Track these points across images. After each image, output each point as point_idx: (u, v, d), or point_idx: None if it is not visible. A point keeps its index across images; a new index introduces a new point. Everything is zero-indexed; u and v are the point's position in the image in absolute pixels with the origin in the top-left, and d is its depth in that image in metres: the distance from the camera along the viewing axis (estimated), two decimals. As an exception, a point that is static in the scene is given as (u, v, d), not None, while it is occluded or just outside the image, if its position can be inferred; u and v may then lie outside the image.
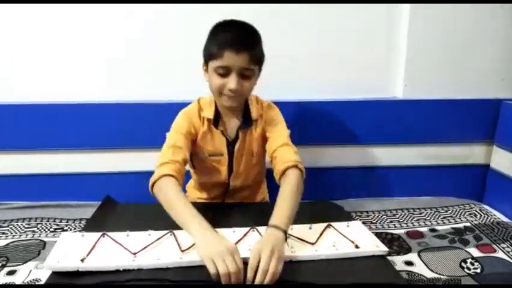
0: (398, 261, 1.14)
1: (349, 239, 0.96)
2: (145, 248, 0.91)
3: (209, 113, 1.22)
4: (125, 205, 1.26)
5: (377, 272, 0.89)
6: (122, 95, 1.57)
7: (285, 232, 0.94)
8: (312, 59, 1.59)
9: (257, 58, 1.12)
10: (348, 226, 1.03)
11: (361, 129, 1.61)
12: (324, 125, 1.61)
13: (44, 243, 1.27)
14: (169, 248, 0.91)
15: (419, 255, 1.21)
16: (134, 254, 0.88)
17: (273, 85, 1.56)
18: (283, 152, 1.18)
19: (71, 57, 1.55)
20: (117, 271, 0.84)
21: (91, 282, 0.82)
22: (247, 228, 0.99)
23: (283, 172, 1.13)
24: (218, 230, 0.96)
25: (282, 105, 1.55)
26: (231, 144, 1.25)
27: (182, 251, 0.90)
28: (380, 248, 0.95)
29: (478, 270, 1.14)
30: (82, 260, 0.86)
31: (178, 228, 0.97)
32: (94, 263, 0.86)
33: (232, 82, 1.08)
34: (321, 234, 0.98)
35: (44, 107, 1.54)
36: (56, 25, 1.52)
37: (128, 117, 1.54)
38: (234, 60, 1.07)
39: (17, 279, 1.06)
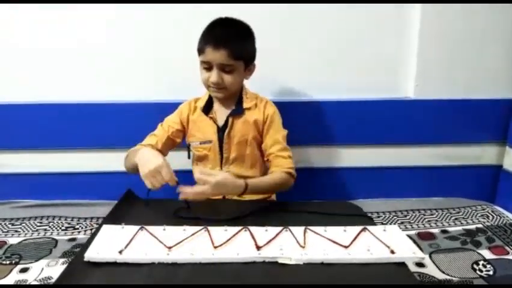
0: (409, 263, 1.13)
1: (385, 243, 0.94)
2: (179, 242, 0.92)
3: (201, 102, 1.32)
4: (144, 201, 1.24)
5: (389, 273, 0.88)
6: (138, 95, 1.59)
7: (246, 186, 1.11)
8: (324, 59, 1.58)
9: (237, 54, 1.18)
10: (384, 231, 1.00)
11: (372, 129, 1.60)
12: (335, 125, 1.60)
13: (56, 241, 1.29)
14: (203, 244, 0.93)
15: (430, 257, 1.21)
16: (169, 248, 0.90)
17: (287, 86, 1.58)
18: (279, 159, 1.28)
19: (77, 58, 1.56)
20: (152, 264, 0.87)
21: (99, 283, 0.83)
22: (279, 228, 0.99)
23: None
24: (251, 228, 0.98)
25: (296, 105, 1.57)
26: (221, 131, 1.29)
27: (215, 247, 0.91)
28: (417, 255, 0.91)
29: (491, 273, 1.13)
30: (120, 252, 0.88)
31: (212, 225, 1.00)
32: (131, 255, 0.88)
33: (213, 76, 1.19)
34: (355, 238, 0.97)
35: (54, 106, 1.56)
36: (56, 26, 1.53)
37: (138, 116, 1.54)
38: (213, 56, 1.17)
39: (29, 277, 1.08)
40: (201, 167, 1.10)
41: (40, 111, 1.56)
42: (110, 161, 1.58)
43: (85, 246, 0.92)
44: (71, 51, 1.55)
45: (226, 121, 1.29)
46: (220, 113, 1.31)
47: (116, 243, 0.91)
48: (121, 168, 1.56)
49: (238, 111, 1.29)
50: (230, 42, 1.16)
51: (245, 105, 1.29)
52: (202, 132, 1.31)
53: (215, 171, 1.09)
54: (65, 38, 1.54)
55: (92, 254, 0.87)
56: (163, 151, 1.29)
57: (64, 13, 1.51)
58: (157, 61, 1.57)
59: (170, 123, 1.32)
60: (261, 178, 1.22)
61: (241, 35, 1.22)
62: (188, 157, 1.40)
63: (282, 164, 1.26)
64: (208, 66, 1.19)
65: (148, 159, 1.06)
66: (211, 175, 1.06)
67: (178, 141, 1.34)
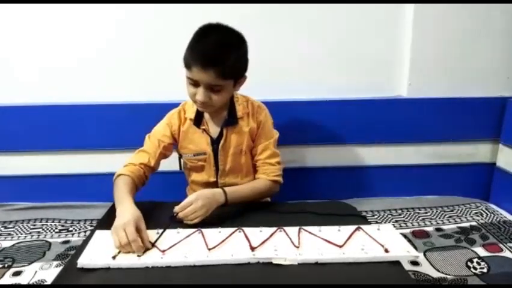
0: (404, 261, 1.13)
1: (379, 242, 0.94)
2: (173, 245, 0.92)
3: (191, 113, 1.25)
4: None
5: (384, 272, 0.88)
6: (127, 96, 1.58)
7: (226, 197, 1.11)
8: (318, 59, 1.58)
9: (227, 73, 1.08)
10: (378, 229, 1.00)
11: (366, 129, 1.60)
12: (329, 124, 1.60)
13: (49, 244, 1.28)
14: (197, 246, 0.93)
15: (425, 255, 1.21)
16: (163, 251, 0.90)
17: (281, 85, 1.58)
18: (266, 166, 1.27)
19: (74, 58, 1.55)
20: (146, 268, 0.86)
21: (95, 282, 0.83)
22: (274, 229, 0.99)
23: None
24: (246, 229, 0.98)
25: (290, 105, 1.57)
26: (215, 143, 1.25)
27: (209, 249, 0.91)
28: (411, 253, 0.92)
29: (485, 270, 1.13)
30: (113, 258, 0.87)
31: (206, 226, 0.99)
32: (124, 260, 0.87)
33: (199, 95, 1.10)
34: (349, 237, 0.97)
35: (47, 108, 1.55)
36: (56, 27, 1.52)
37: (132, 117, 1.54)
38: (200, 76, 1.07)
39: (22, 280, 1.07)
40: (178, 207, 1.04)
41: (33, 113, 1.55)
42: (104, 162, 1.58)
43: (78, 251, 0.91)
44: (70, 52, 1.55)
45: (220, 132, 1.24)
46: (212, 123, 1.25)
47: (109, 249, 0.90)
48: (115, 169, 1.56)
49: (232, 122, 1.24)
50: (219, 62, 1.05)
51: (238, 114, 1.24)
52: (195, 144, 1.26)
53: (188, 197, 1.05)
54: (65, 38, 1.54)
55: (85, 261, 0.87)
56: (155, 167, 1.25)
57: (65, 13, 1.50)
58: (157, 61, 1.56)
59: (160, 137, 1.25)
60: (241, 186, 1.22)
61: (232, 51, 1.08)
62: (180, 168, 1.36)
63: (268, 171, 1.26)
64: (194, 83, 1.10)
65: (117, 217, 0.97)
66: (187, 200, 1.03)
67: (169, 154, 1.29)
